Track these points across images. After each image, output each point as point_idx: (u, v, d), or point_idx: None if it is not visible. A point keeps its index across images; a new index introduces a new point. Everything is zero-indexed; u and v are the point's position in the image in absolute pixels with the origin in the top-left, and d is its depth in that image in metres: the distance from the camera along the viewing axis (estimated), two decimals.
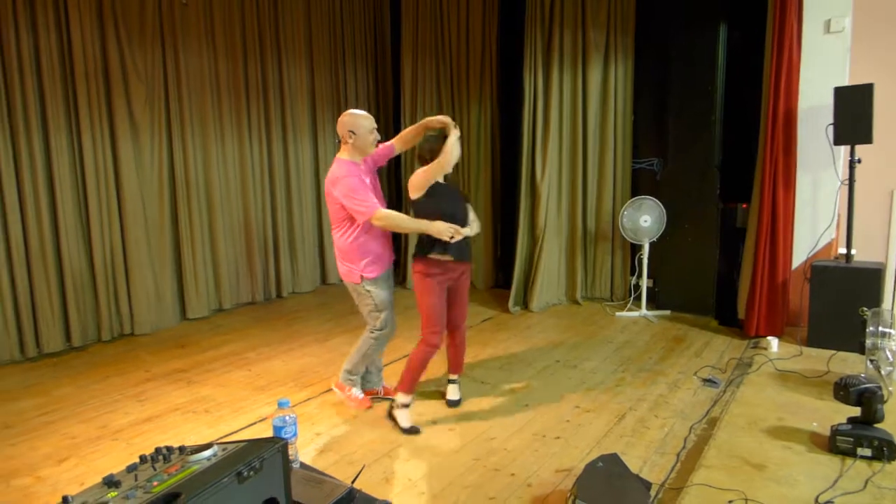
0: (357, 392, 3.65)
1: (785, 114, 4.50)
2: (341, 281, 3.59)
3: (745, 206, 5.03)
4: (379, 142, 3.44)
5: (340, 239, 3.35)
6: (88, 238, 4.84)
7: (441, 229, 3.14)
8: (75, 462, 3.10)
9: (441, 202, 3.28)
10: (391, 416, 3.45)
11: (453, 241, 3.19)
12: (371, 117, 3.36)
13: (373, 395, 3.75)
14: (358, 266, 3.33)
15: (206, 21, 5.51)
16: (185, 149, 5.42)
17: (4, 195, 4.37)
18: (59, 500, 1.13)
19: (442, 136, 3.30)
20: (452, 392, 3.72)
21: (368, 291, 3.38)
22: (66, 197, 4.67)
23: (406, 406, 3.40)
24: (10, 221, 4.40)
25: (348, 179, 3.18)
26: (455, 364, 3.71)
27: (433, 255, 3.27)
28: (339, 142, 3.37)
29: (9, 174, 4.38)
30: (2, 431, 3.44)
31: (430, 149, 3.31)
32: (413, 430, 3.33)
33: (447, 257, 3.27)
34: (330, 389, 3.81)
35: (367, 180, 3.32)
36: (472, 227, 3.39)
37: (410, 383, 3.39)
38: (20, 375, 4.29)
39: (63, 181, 4.65)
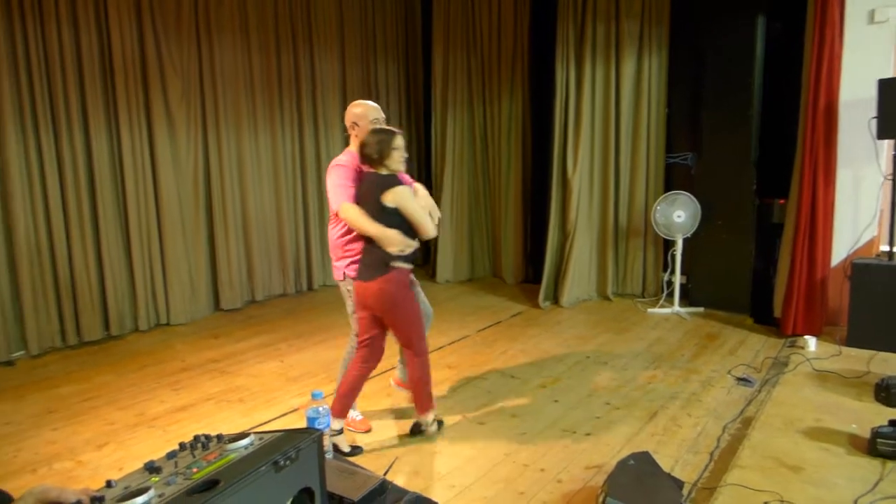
0: (355, 414, 3.36)
1: (826, 107, 4.38)
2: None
3: (782, 201, 4.92)
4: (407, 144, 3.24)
5: (331, 233, 3.20)
6: (126, 230, 4.96)
7: (394, 241, 2.88)
8: (114, 447, 3.18)
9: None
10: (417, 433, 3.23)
11: (404, 253, 2.93)
12: (376, 107, 3.20)
13: (404, 387, 3.69)
14: (343, 263, 3.15)
15: (241, 15, 5.58)
16: (220, 142, 5.51)
17: (48, 189, 4.50)
18: (101, 484, 1.16)
19: (391, 131, 2.99)
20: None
21: (350, 291, 3.16)
22: (105, 190, 4.79)
23: (437, 422, 3.25)
24: (52, 214, 4.53)
25: (337, 168, 3.07)
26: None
27: (400, 265, 2.95)
28: (347, 135, 3.26)
29: (52, 168, 4.51)
30: (45, 416, 3.55)
31: (378, 146, 2.93)
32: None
33: (409, 265, 3.03)
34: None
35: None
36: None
37: (430, 397, 3.19)
38: (62, 363, 4.42)
39: (102, 175, 4.77)
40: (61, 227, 4.59)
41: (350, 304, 3.22)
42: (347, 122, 3.21)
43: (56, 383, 4.04)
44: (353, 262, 3.12)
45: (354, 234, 3.08)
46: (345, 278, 3.17)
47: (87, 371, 4.25)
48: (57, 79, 4.46)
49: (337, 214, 3.06)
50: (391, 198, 2.89)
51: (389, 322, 3.05)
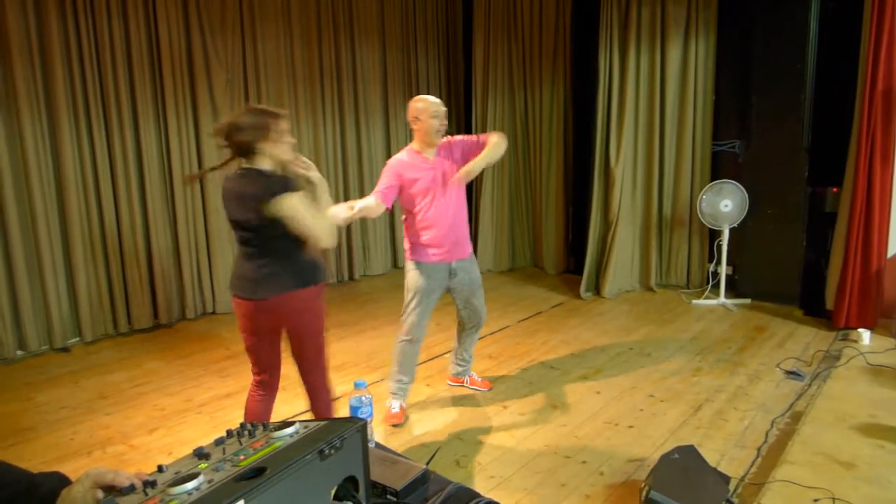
0: (394, 403, 3.37)
1: (884, 91, 4.20)
2: None
3: (835, 189, 4.73)
4: (448, 134, 3.26)
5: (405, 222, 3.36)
6: (174, 221, 5.09)
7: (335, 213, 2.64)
8: (164, 433, 3.28)
9: None
10: None
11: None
12: (437, 102, 3.18)
13: (459, 384, 3.72)
14: (406, 245, 3.34)
15: (283, 7, 5.64)
16: None
17: (100, 180, 4.64)
18: (152, 468, 1.19)
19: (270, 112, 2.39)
20: None
21: (407, 271, 3.33)
22: (154, 181, 4.92)
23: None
24: (104, 205, 4.68)
25: (387, 165, 3.25)
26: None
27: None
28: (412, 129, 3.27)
29: (103, 160, 4.65)
30: (99, 401, 3.68)
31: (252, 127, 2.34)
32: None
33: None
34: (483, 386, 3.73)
35: (426, 175, 3.16)
36: None
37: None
38: (114, 350, 4.57)
39: (151, 166, 4.89)
40: (113, 217, 4.74)
41: (405, 288, 3.36)
42: (409, 118, 3.23)
43: (109, 369, 4.19)
44: (416, 246, 3.27)
45: (414, 221, 3.24)
46: (408, 259, 3.34)
47: (137, 358, 4.39)
48: (108, 71, 4.59)
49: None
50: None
51: None
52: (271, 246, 2.38)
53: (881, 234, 4.34)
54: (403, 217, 3.34)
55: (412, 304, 3.29)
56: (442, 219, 3.21)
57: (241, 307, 2.50)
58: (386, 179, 3.17)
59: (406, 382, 3.38)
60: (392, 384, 3.38)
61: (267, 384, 2.72)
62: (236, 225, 2.41)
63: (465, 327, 3.54)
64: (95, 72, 4.56)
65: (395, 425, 3.28)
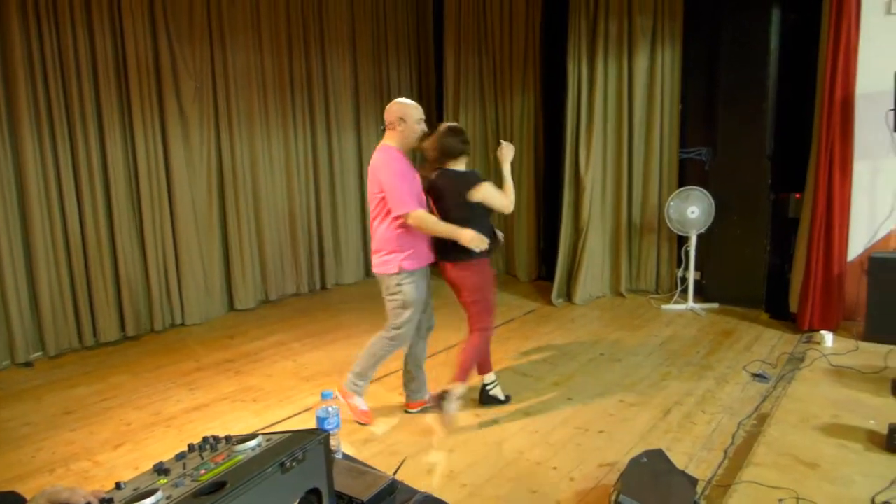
0: (361, 403, 3.37)
1: (842, 99, 4.32)
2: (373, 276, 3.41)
3: (798, 195, 4.86)
4: (426, 134, 3.31)
5: (382, 227, 3.19)
6: (141, 231, 5.01)
7: (471, 238, 3.05)
8: (130, 448, 3.22)
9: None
10: (438, 404, 3.20)
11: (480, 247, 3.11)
12: (420, 108, 3.28)
13: (421, 407, 3.52)
14: (399, 256, 3.17)
15: (253, 17, 5.61)
16: (233, 143, 5.54)
17: (63, 191, 4.55)
18: (113, 485, 1.18)
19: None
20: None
21: (399, 286, 3.20)
22: (120, 191, 4.84)
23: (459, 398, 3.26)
24: (68, 216, 4.59)
25: (396, 165, 3.12)
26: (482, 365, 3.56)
27: (483, 256, 3.22)
28: (384, 129, 3.27)
29: (67, 171, 4.56)
30: (62, 417, 3.60)
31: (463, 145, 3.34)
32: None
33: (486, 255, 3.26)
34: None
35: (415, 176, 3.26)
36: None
37: (469, 371, 3.29)
38: (79, 364, 4.48)
39: (117, 176, 4.81)
40: (77, 229, 4.65)
41: (396, 300, 3.23)
42: (392, 118, 3.20)
43: (73, 384, 4.09)
44: (411, 256, 3.20)
45: (409, 228, 3.16)
46: (399, 271, 3.19)
47: (103, 371, 4.30)
48: (72, 81, 4.51)
49: (401, 215, 3.10)
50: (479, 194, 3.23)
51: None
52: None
53: (841, 239, 4.46)
54: (390, 222, 3.17)
55: (411, 319, 3.26)
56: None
57: (483, 264, 3.31)
58: (410, 182, 3.15)
59: (368, 382, 3.42)
60: (361, 383, 3.36)
61: None
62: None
63: (423, 335, 3.50)
64: (59, 81, 4.48)
65: (367, 424, 3.31)
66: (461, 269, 3.27)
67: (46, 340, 4.54)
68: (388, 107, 3.27)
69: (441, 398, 3.19)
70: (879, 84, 4.29)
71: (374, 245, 3.29)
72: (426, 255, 3.30)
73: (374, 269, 3.31)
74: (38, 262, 4.45)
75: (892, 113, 4.13)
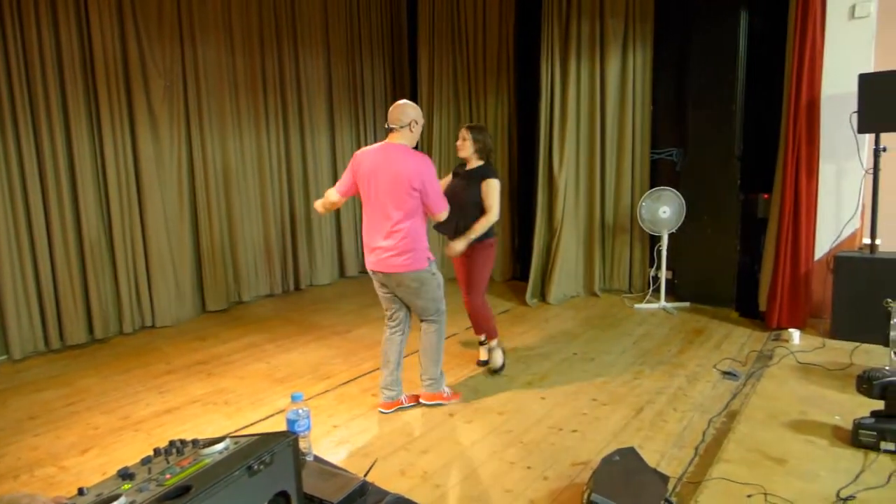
0: (447, 389, 3.61)
1: (808, 102, 4.42)
2: (377, 274, 3.39)
3: (766, 196, 4.95)
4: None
5: (408, 226, 3.21)
6: (110, 231, 4.91)
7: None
8: (98, 452, 3.15)
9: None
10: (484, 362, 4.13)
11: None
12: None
13: (398, 407, 3.51)
14: (422, 251, 3.27)
15: (224, 15, 5.54)
16: (204, 142, 5.47)
17: (28, 190, 4.45)
18: (76, 490, 1.15)
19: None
20: (481, 353, 4.21)
21: (434, 275, 3.36)
22: (87, 191, 4.74)
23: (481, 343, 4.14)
24: (33, 216, 4.48)
25: (432, 167, 3.28)
26: (473, 326, 4.18)
27: (492, 237, 3.88)
28: (391, 128, 3.27)
29: (32, 170, 4.45)
30: (27, 422, 3.51)
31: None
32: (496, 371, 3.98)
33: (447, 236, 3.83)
34: (418, 400, 3.58)
35: None
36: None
37: (495, 327, 4.06)
38: (45, 367, 4.37)
39: (84, 176, 4.71)
40: (43, 229, 4.54)
41: (432, 289, 3.37)
42: (408, 120, 3.26)
43: (39, 388, 4.00)
44: (426, 248, 3.35)
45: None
46: (429, 263, 3.33)
47: (70, 375, 4.20)
48: (37, 79, 4.41)
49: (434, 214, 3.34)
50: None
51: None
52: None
53: (808, 239, 4.55)
54: (416, 220, 3.29)
55: (443, 301, 3.52)
56: None
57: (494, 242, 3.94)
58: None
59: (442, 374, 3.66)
60: (438, 377, 3.56)
61: None
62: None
63: (405, 325, 3.56)
64: (23, 79, 4.37)
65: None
66: (486, 247, 3.86)
67: (11, 343, 4.42)
68: (401, 108, 3.27)
69: (489, 360, 4.07)
70: (844, 87, 4.39)
71: (398, 244, 3.22)
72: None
73: (397, 269, 3.26)
74: (2, 263, 4.34)
75: (856, 115, 4.23)
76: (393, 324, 3.52)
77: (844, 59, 4.44)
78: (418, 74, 6.79)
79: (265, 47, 5.89)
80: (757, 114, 5.14)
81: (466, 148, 3.80)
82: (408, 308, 3.51)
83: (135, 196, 5.03)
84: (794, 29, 4.43)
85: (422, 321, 3.49)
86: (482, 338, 4.18)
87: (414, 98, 7.06)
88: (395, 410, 3.50)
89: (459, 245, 3.66)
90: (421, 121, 3.34)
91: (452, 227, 3.73)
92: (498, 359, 4.03)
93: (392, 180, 3.17)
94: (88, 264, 4.78)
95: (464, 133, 3.81)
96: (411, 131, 3.28)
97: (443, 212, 3.34)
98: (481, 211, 3.73)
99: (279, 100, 6.10)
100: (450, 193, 3.62)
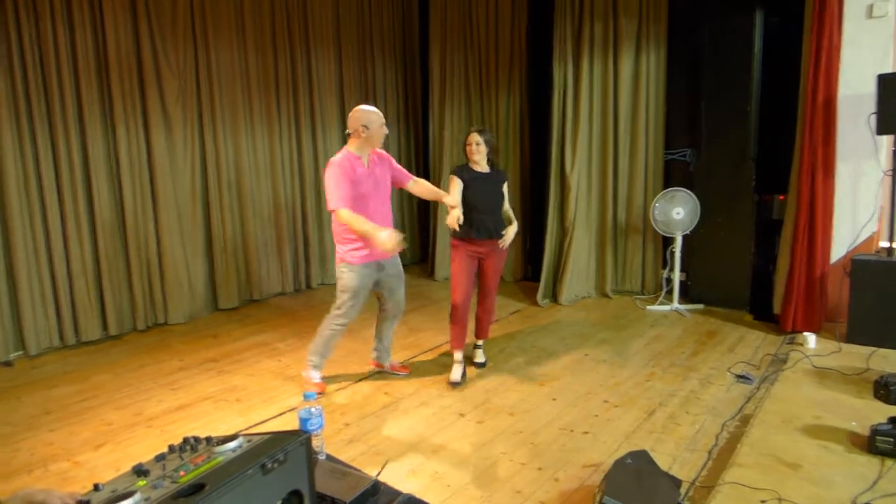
0: (315, 374, 3.82)
1: (824, 102, 4.37)
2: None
3: (781, 197, 4.90)
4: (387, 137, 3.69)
5: (333, 223, 3.56)
6: (124, 230, 4.95)
7: (383, 239, 3.26)
8: (111, 448, 3.17)
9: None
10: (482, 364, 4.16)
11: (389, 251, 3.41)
12: (381, 113, 3.56)
13: (381, 369, 4.06)
14: (343, 248, 3.55)
15: (237, 15, 5.56)
16: (217, 142, 5.49)
17: (44, 189, 4.49)
18: (91, 486, 1.15)
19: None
20: (478, 356, 4.17)
21: (342, 273, 3.58)
22: (101, 190, 4.78)
23: (457, 362, 3.94)
24: (49, 214, 4.52)
25: (337, 168, 3.40)
26: (479, 329, 4.15)
27: (458, 236, 3.80)
28: (349, 134, 3.52)
29: (48, 169, 4.49)
30: (42, 417, 3.54)
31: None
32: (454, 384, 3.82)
33: (470, 236, 3.81)
34: (382, 374, 4.04)
35: (366, 180, 3.52)
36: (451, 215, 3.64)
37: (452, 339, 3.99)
38: (59, 363, 4.41)
39: (99, 175, 4.75)
40: (58, 227, 4.58)
41: (339, 284, 3.63)
42: (356, 125, 3.46)
43: (54, 384, 4.03)
44: (352, 249, 3.53)
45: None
46: (341, 263, 3.58)
47: (84, 371, 4.24)
48: (52, 79, 4.44)
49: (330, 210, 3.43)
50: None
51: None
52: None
53: (825, 241, 4.50)
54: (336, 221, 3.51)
55: (349, 303, 3.63)
56: (375, 221, 3.46)
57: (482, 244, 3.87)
58: (345, 183, 3.40)
59: (324, 359, 3.85)
60: (316, 359, 3.81)
61: None
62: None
63: (388, 317, 3.94)
64: (39, 78, 4.41)
65: (320, 394, 3.73)
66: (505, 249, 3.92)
67: (27, 339, 4.47)
68: (352, 114, 3.52)
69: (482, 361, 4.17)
70: (862, 87, 4.34)
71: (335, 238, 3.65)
72: (374, 253, 3.53)
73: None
74: (19, 260, 4.38)
75: (874, 116, 4.17)
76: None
77: (861, 58, 4.38)
78: (430, 73, 6.79)
79: (277, 47, 5.91)
80: (772, 114, 5.09)
81: (481, 153, 3.85)
82: (381, 296, 3.87)
83: (148, 194, 5.06)
84: (810, 28, 4.38)
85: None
86: (480, 342, 4.22)
87: (425, 96, 7.08)
88: (378, 372, 4.05)
89: (511, 235, 3.86)
90: (373, 125, 3.47)
91: (488, 230, 3.84)
92: (482, 354, 4.20)
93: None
94: (103, 262, 4.81)
95: (476, 138, 3.84)
96: (360, 136, 3.48)
97: (329, 206, 3.41)
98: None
99: (291, 99, 6.11)
100: (481, 197, 3.82)
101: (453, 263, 3.92)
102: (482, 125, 6.52)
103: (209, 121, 5.43)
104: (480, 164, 3.89)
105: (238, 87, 5.63)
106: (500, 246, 3.84)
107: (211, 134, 5.45)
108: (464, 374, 3.92)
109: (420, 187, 3.85)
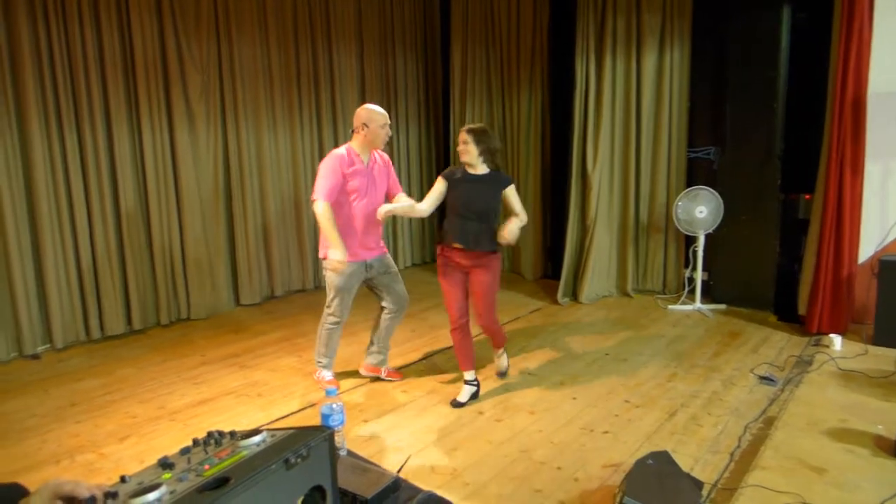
0: (326, 374, 3.85)
1: (853, 99, 4.28)
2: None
3: (808, 196, 4.82)
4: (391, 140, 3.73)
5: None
6: (148, 225, 5.02)
7: (337, 259, 3.43)
8: (135, 440, 3.22)
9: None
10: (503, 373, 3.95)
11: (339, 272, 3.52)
12: (385, 114, 3.58)
13: (375, 374, 3.96)
14: (325, 245, 3.56)
15: (259, 11, 5.60)
16: (239, 137, 5.54)
17: (71, 186, 4.56)
18: (118, 478, 1.17)
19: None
20: (500, 364, 3.96)
21: (326, 272, 3.61)
22: (127, 186, 4.85)
23: (466, 382, 3.64)
24: (76, 209, 4.60)
25: (332, 160, 3.47)
26: (493, 341, 3.87)
27: (444, 243, 3.56)
28: (353, 132, 3.59)
29: (75, 165, 4.57)
30: (68, 409, 3.61)
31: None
32: (456, 404, 3.56)
33: (455, 245, 3.49)
34: (387, 378, 3.99)
35: (361, 176, 3.55)
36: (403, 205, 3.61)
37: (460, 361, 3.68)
38: (85, 356, 4.49)
39: (124, 171, 4.82)
40: (85, 223, 4.66)
41: (327, 282, 3.65)
42: (357, 123, 3.55)
43: (80, 376, 4.11)
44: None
45: (343, 221, 3.54)
46: (325, 259, 3.59)
47: (109, 365, 4.31)
48: (80, 76, 4.52)
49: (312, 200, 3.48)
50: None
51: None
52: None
53: (852, 241, 4.42)
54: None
55: (336, 301, 3.66)
56: (364, 219, 3.58)
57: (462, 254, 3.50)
58: (333, 178, 3.46)
59: (332, 358, 3.86)
60: (324, 360, 3.81)
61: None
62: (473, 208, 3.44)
63: (392, 313, 3.85)
64: (67, 75, 4.48)
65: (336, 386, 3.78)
66: (498, 259, 3.57)
67: (53, 333, 4.55)
68: (356, 113, 3.58)
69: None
70: (892, 84, 4.25)
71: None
72: (357, 253, 3.60)
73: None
74: (46, 255, 4.46)
75: None
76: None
77: (893, 54, 4.28)
78: (451, 69, 6.78)
79: (300, 42, 5.94)
80: (799, 111, 5.00)
81: (469, 152, 3.43)
82: (380, 295, 3.86)
83: (172, 190, 5.13)
84: (839, 23, 4.29)
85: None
86: (499, 351, 3.90)
87: (446, 92, 7.07)
88: (375, 377, 3.97)
89: (515, 229, 3.42)
90: (373, 124, 3.50)
91: (467, 239, 3.43)
92: (505, 361, 3.96)
93: None
94: (128, 258, 4.89)
95: (464, 136, 3.44)
96: (360, 133, 3.53)
97: (312, 197, 3.45)
98: (497, 217, 3.53)
99: (313, 94, 6.14)
100: (464, 201, 3.42)
101: (438, 276, 3.62)
102: (503, 121, 6.53)
103: (232, 116, 5.48)
104: (475, 166, 3.48)
105: (260, 82, 5.67)
106: (505, 241, 3.41)
107: (234, 129, 5.51)
108: (474, 395, 3.60)
109: (400, 201, 3.71)
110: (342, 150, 3.54)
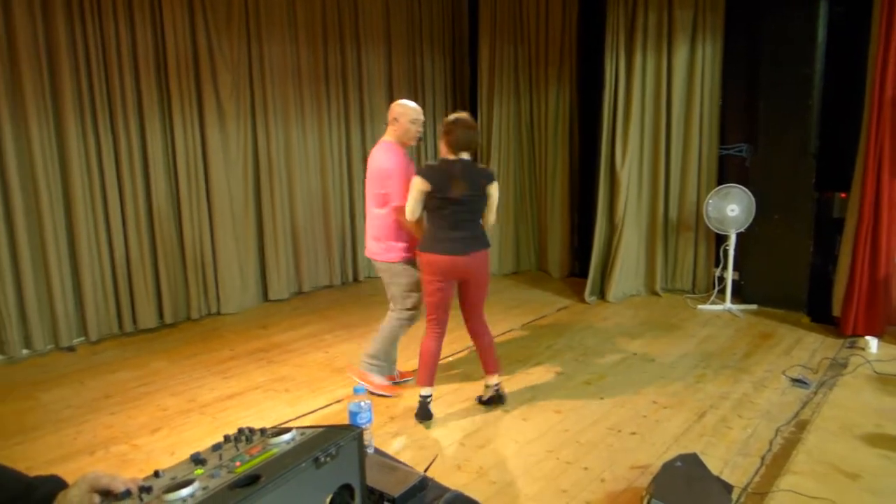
0: (379, 378, 3.71)
1: (893, 97, 4.16)
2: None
3: (843, 195, 4.70)
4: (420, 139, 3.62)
5: (382, 217, 3.50)
6: (179, 221, 5.11)
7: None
8: (167, 433, 3.29)
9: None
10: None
11: None
12: (419, 111, 3.53)
13: (392, 381, 3.82)
14: (398, 244, 3.50)
15: (289, 10, 5.65)
16: (269, 135, 5.60)
17: (105, 181, 4.66)
18: (151, 470, 1.19)
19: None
20: (485, 391, 3.53)
21: (404, 270, 3.53)
22: (159, 183, 4.94)
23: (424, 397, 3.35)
24: (110, 205, 4.70)
25: (397, 158, 3.43)
26: (484, 363, 3.48)
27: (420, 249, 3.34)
28: (386, 124, 3.57)
29: (109, 162, 4.67)
30: (103, 401, 3.70)
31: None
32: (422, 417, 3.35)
33: (442, 256, 3.23)
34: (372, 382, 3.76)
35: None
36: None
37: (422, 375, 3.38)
38: (119, 349, 4.59)
39: (157, 168, 4.91)
40: (118, 219, 4.76)
41: (401, 284, 3.54)
42: (389, 117, 3.54)
43: (113, 369, 4.20)
44: (409, 244, 3.50)
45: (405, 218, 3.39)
46: (400, 259, 3.51)
47: (142, 357, 4.40)
48: (114, 74, 4.61)
49: (400, 209, 3.34)
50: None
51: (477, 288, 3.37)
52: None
53: (889, 241, 4.30)
54: (390, 213, 3.47)
55: (419, 299, 3.57)
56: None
57: (443, 261, 3.23)
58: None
59: (379, 359, 3.74)
60: (377, 362, 3.69)
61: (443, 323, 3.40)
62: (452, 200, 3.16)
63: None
64: (102, 74, 4.58)
65: (397, 395, 3.69)
66: (486, 258, 3.36)
67: (88, 326, 4.66)
68: (390, 106, 3.57)
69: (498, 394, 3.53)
70: None
71: (374, 232, 3.57)
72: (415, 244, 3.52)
73: (374, 256, 3.60)
74: (81, 249, 4.57)
75: None
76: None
77: None
78: (478, 67, 6.76)
79: (328, 41, 5.98)
80: (835, 108, 4.88)
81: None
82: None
83: (203, 186, 5.21)
84: (879, 17, 4.18)
85: (390, 310, 3.66)
86: (492, 381, 3.49)
87: (473, 91, 7.05)
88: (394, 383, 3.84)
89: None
90: (402, 118, 3.45)
91: (468, 243, 3.25)
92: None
93: (369, 174, 3.55)
94: (160, 253, 4.98)
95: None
96: (391, 125, 3.50)
97: (402, 201, 3.29)
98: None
99: (341, 93, 6.18)
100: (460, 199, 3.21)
101: (423, 285, 3.41)
102: (531, 118, 6.48)
103: (261, 114, 5.55)
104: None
105: (289, 80, 5.72)
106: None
107: (263, 127, 5.57)
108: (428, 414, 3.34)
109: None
110: (390, 145, 3.47)
